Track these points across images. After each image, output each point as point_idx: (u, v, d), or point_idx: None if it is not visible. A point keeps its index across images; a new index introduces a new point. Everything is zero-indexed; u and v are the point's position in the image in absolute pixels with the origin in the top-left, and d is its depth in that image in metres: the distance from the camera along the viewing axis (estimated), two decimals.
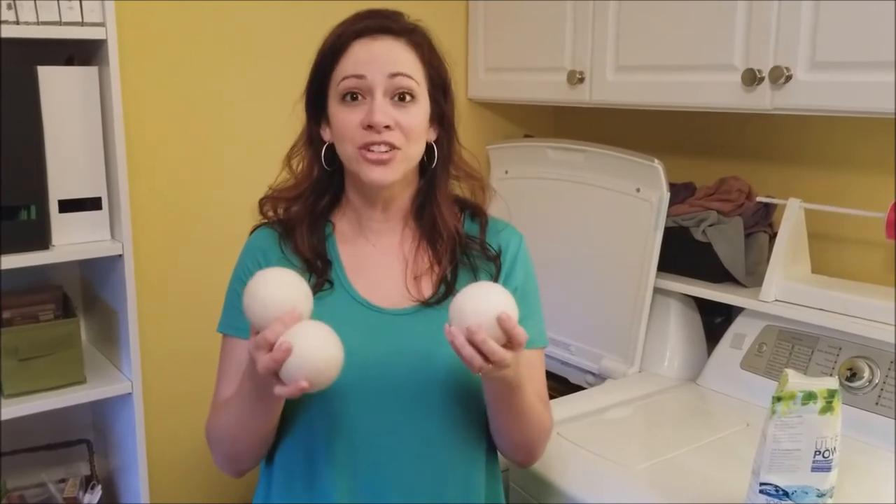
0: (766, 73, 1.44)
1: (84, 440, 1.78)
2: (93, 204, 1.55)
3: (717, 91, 1.53)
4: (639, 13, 1.67)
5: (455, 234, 1.14)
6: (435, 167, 1.14)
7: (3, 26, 1.38)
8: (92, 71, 1.51)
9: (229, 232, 1.76)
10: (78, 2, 1.44)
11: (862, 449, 1.32)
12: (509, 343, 0.95)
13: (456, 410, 1.11)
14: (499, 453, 1.20)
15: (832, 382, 1.07)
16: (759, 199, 1.68)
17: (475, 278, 1.13)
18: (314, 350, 0.91)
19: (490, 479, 1.18)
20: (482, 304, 0.95)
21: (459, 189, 1.19)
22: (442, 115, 1.13)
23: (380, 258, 1.15)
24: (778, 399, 1.06)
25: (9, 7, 1.39)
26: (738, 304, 1.63)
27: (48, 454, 1.74)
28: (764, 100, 1.46)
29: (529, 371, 1.10)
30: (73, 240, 1.53)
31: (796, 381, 1.09)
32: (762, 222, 1.71)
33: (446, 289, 1.11)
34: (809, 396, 1.05)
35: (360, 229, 1.16)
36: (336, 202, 1.17)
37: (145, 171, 1.74)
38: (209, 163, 1.83)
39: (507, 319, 0.93)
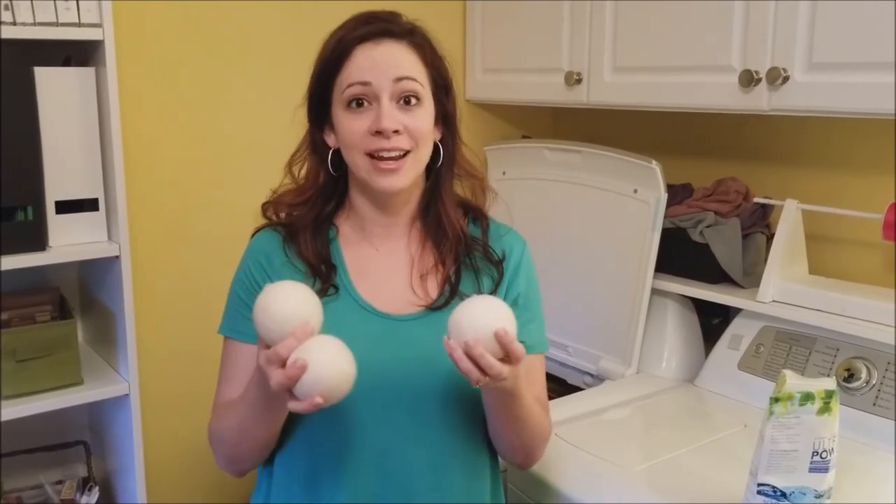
0: (763, 74, 1.44)
1: (81, 441, 1.78)
2: (90, 205, 1.55)
3: (715, 92, 1.53)
4: (636, 14, 1.67)
5: (460, 233, 1.14)
6: (440, 167, 1.13)
7: (1, 27, 1.38)
8: (89, 72, 1.51)
9: (226, 233, 1.77)
10: (75, 2, 1.44)
11: (860, 450, 1.32)
12: (507, 358, 0.95)
13: (459, 415, 1.10)
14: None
15: (830, 383, 1.07)
16: (756, 199, 1.69)
17: (477, 280, 1.13)
18: (328, 366, 0.90)
19: (492, 482, 1.18)
20: (480, 318, 0.94)
21: (460, 189, 1.18)
22: (445, 115, 1.13)
23: (383, 261, 1.14)
24: (775, 400, 1.07)
25: (6, 8, 1.38)
26: (736, 305, 1.63)
27: (45, 455, 1.73)
28: (761, 101, 1.46)
29: (530, 375, 1.10)
30: (70, 241, 1.53)
31: (794, 381, 1.09)
32: (759, 223, 1.71)
33: (450, 291, 1.11)
34: (807, 397, 1.05)
35: (364, 233, 1.15)
36: (340, 206, 1.17)
37: (142, 172, 1.73)
38: (206, 164, 1.83)
39: (504, 335, 0.93)
